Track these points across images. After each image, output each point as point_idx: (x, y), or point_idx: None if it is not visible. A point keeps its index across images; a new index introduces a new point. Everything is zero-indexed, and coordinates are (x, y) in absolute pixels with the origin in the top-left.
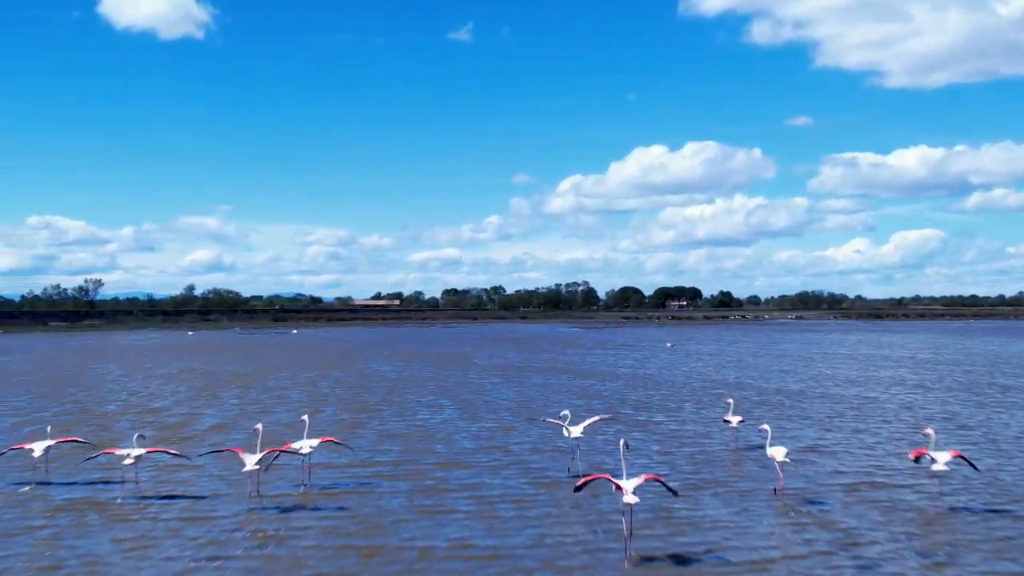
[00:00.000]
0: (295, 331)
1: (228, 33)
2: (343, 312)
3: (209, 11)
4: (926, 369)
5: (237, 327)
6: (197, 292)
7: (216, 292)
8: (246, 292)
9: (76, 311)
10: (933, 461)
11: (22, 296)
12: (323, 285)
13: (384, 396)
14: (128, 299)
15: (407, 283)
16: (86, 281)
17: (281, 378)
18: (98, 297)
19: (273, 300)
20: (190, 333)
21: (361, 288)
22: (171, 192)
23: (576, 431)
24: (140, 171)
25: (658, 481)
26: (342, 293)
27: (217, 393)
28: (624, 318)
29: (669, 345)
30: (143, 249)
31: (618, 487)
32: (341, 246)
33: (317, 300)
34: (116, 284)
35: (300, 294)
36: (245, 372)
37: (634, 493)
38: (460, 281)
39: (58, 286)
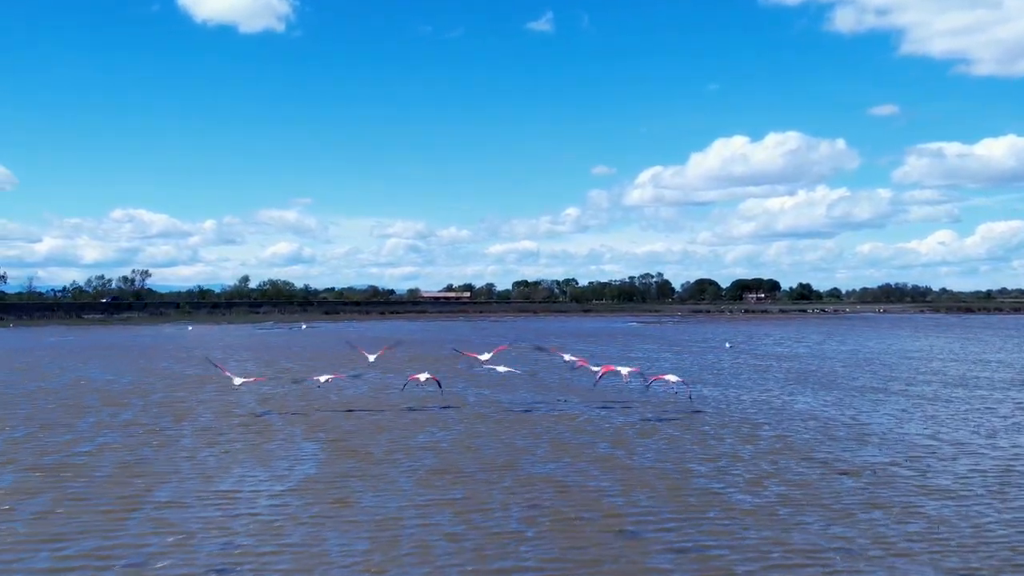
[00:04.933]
0: (304, 326)
1: (308, 25)
2: (401, 305)
3: (289, 3)
4: None
5: (271, 322)
6: (255, 284)
7: (272, 284)
8: (325, 284)
9: (117, 303)
10: None
11: (62, 288)
12: (401, 278)
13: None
14: (175, 292)
15: (484, 275)
16: (132, 272)
17: None
18: (146, 287)
19: (343, 293)
20: (190, 327)
21: (438, 281)
22: (252, 185)
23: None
24: (221, 164)
25: None
26: (419, 285)
27: None
28: (694, 311)
29: (728, 346)
30: (225, 242)
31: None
32: (419, 239)
33: (390, 292)
34: (198, 276)
35: (374, 287)
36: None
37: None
38: (537, 274)
39: (102, 276)
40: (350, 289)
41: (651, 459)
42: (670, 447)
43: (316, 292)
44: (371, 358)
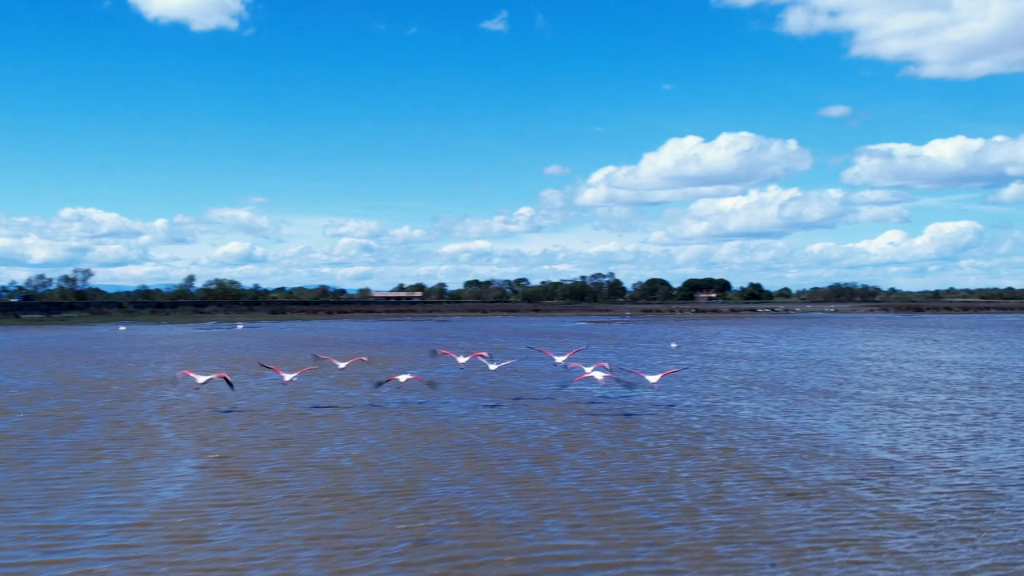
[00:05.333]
0: (241, 326)
1: (261, 23)
2: (350, 304)
3: (242, 1)
4: None
5: (213, 321)
6: (203, 283)
7: (219, 283)
8: (277, 284)
9: (59, 303)
10: None
11: (1, 289)
12: (353, 277)
13: None
14: (123, 292)
15: (438, 275)
16: (74, 271)
17: None
18: (89, 286)
19: (293, 293)
20: (122, 327)
21: (391, 280)
22: (204, 184)
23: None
24: (173, 163)
25: None
26: (372, 285)
27: None
28: (644, 310)
29: (674, 346)
30: (175, 241)
31: None
32: (372, 238)
33: (341, 292)
34: (148, 275)
35: (324, 286)
36: None
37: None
38: (490, 273)
39: (42, 276)
40: (300, 289)
41: (576, 479)
42: (599, 463)
43: (266, 292)
44: (341, 365)
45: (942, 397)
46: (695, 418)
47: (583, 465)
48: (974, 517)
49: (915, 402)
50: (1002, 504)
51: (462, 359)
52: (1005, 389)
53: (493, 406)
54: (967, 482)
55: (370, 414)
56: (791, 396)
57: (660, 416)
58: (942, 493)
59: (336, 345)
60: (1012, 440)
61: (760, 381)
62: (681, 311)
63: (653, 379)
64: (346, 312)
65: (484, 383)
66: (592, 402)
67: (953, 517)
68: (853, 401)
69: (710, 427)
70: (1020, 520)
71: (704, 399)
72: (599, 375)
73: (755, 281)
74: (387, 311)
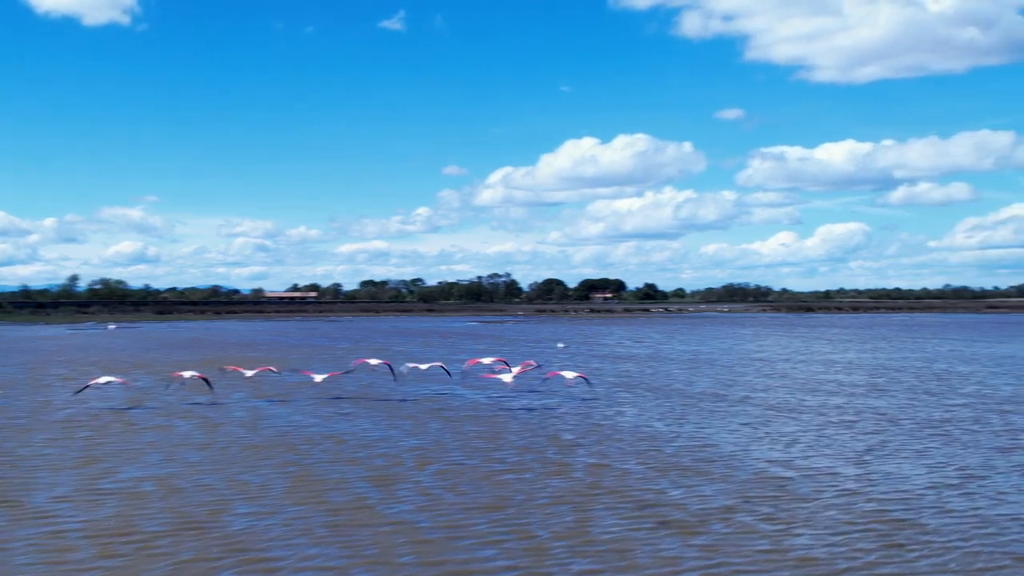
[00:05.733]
0: (113, 327)
1: (154, 19)
2: (240, 305)
3: None
4: None
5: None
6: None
7: (104, 283)
8: (171, 284)
9: None
10: None
11: None
12: (249, 277)
13: None
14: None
15: (334, 275)
16: None
17: None
18: None
19: (184, 293)
20: None
21: (288, 280)
22: (95, 182)
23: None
24: (63, 161)
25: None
26: (268, 285)
27: None
28: (539, 310)
29: (561, 346)
30: (65, 240)
31: None
32: (268, 238)
33: (234, 292)
34: (37, 275)
35: (216, 286)
36: None
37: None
38: (387, 274)
39: None
40: (192, 289)
41: (415, 507)
42: (448, 484)
43: (156, 292)
44: (248, 374)
45: (838, 400)
46: (569, 427)
47: (429, 488)
48: (883, 554)
49: (810, 406)
50: (915, 534)
51: (318, 377)
52: (903, 391)
53: (348, 414)
54: (872, 506)
55: (209, 425)
56: (678, 400)
57: (532, 425)
58: (845, 522)
59: (209, 346)
60: (917, 452)
61: (646, 383)
62: (575, 311)
63: (507, 378)
64: (236, 312)
65: (352, 387)
66: (462, 408)
67: (858, 554)
68: (744, 406)
69: (584, 437)
70: (939, 558)
71: (584, 404)
72: (507, 377)
73: (650, 281)
74: (278, 311)
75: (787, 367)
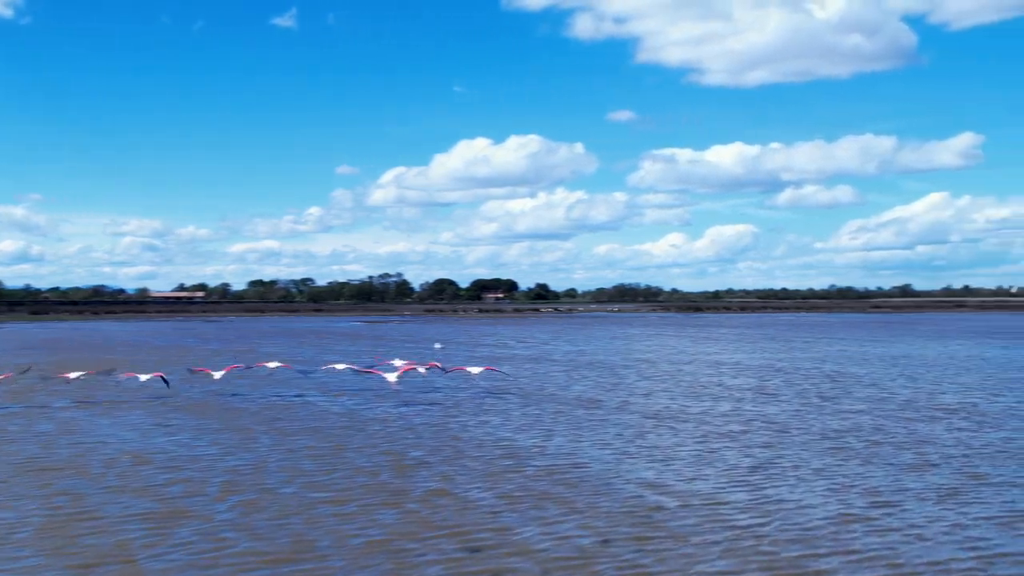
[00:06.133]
0: None
1: (38, 12)
2: (121, 305)
3: None
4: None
5: None
6: None
7: None
8: (56, 284)
9: None
10: None
11: None
12: (137, 277)
13: None
14: None
15: (224, 275)
16: None
17: None
18: None
19: (67, 293)
20: None
21: (177, 280)
22: None
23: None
24: None
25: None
26: (157, 285)
27: None
28: (428, 310)
29: (438, 346)
30: None
31: None
32: (156, 237)
33: (119, 292)
34: None
35: (99, 286)
36: None
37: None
38: (278, 273)
39: None
40: (76, 289)
41: (189, 556)
42: (242, 524)
43: (38, 291)
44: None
45: (725, 406)
46: (422, 440)
47: (217, 528)
48: None
49: (693, 414)
50: None
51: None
52: (794, 395)
53: (173, 426)
54: (769, 549)
55: (5, 439)
56: (550, 408)
57: (379, 439)
58: (729, 573)
59: (75, 348)
60: (815, 471)
61: (519, 388)
62: (464, 311)
63: (391, 377)
64: (116, 313)
65: (198, 393)
66: (309, 418)
67: None
68: (621, 414)
69: (434, 454)
70: None
71: (443, 412)
72: (391, 377)
73: (542, 282)
74: (160, 312)
75: (672, 368)
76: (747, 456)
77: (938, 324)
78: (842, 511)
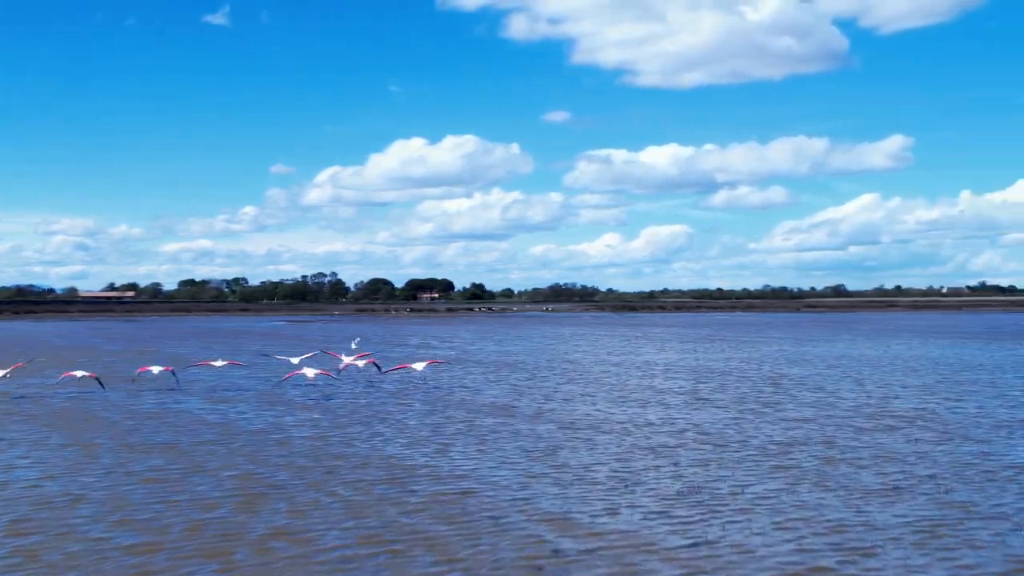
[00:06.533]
0: None
1: None
2: (40, 305)
3: None
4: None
5: None
6: None
7: None
8: None
9: None
10: None
11: None
12: (69, 276)
13: None
14: None
15: (158, 275)
16: None
17: None
18: None
19: None
20: None
21: (110, 280)
22: None
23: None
24: None
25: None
26: (89, 285)
27: None
28: (359, 310)
29: (354, 346)
30: None
31: None
32: (87, 236)
33: (48, 291)
34: None
35: (21, 286)
36: None
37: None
38: (212, 273)
39: None
40: (1, 288)
41: None
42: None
43: None
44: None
45: (653, 415)
46: (294, 458)
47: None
48: None
49: (617, 423)
50: None
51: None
52: (731, 401)
53: (2, 440)
54: None
55: None
56: (458, 416)
57: (242, 456)
58: None
59: None
60: (761, 499)
61: (428, 392)
62: (396, 310)
63: (311, 373)
64: (36, 312)
65: (62, 398)
66: (179, 429)
67: None
68: (535, 423)
69: (299, 477)
70: None
71: (332, 421)
72: (309, 372)
73: (479, 282)
74: (84, 312)
75: (598, 371)
76: (676, 478)
77: (874, 323)
78: (798, 561)
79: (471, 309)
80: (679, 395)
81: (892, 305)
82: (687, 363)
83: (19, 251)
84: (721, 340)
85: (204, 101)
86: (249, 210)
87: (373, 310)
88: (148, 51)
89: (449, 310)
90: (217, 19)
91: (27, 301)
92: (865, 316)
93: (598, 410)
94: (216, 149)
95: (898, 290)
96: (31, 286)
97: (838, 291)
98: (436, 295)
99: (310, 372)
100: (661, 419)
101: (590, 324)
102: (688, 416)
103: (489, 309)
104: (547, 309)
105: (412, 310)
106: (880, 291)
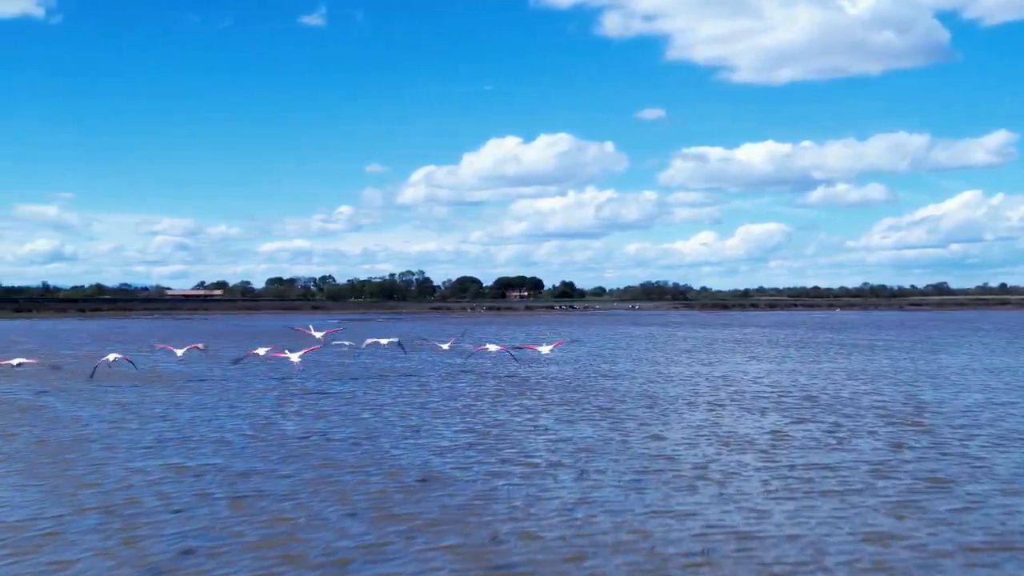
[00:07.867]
0: None
1: (68, 11)
2: (122, 302)
3: None
4: None
5: None
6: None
7: None
8: (91, 282)
9: None
10: None
11: None
12: (171, 275)
13: None
14: None
15: (256, 274)
16: None
17: None
18: None
19: (85, 290)
20: None
21: (208, 278)
22: (8, 179)
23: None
24: None
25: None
26: (188, 284)
27: None
28: (433, 308)
29: (347, 347)
30: None
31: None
32: (188, 236)
33: (143, 289)
34: None
35: (127, 284)
36: None
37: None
38: (311, 272)
39: None
40: (98, 287)
41: None
42: None
43: (56, 290)
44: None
45: (695, 524)
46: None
47: None
48: None
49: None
50: None
51: None
52: (861, 482)
53: None
54: None
55: None
56: (468, 423)
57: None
58: None
59: None
60: None
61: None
62: (473, 309)
63: (295, 358)
64: (100, 311)
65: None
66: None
67: None
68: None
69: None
70: None
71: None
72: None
73: (570, 280)
74: (147, 310)
75: (654, 388)
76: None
77: (995, 322)
78: None
79: (551, 307)
80: (756, 462)
81: (1003, 303)
82: (779, 381)
83: (121, 251)
84: (826, 345)
85: (300, 102)
86: (345, 210)
87: (449, 308)
88: (244, 52)
89: (528, 308)
90: (313, 20)
91: (103, 299)
92: (976, 315)
93: (649, 463)
94: (312, 149)
95: (1003, 288)
96: (127, 285)
97: (940, 289)
98: (524, 293)
99: (295, 357)
100: (738, 456)
101: (672, 324)
102: (777, 529)
103: (571, 307)
104: (634, 307)
105: (489, 308)
106: (984, 289)
